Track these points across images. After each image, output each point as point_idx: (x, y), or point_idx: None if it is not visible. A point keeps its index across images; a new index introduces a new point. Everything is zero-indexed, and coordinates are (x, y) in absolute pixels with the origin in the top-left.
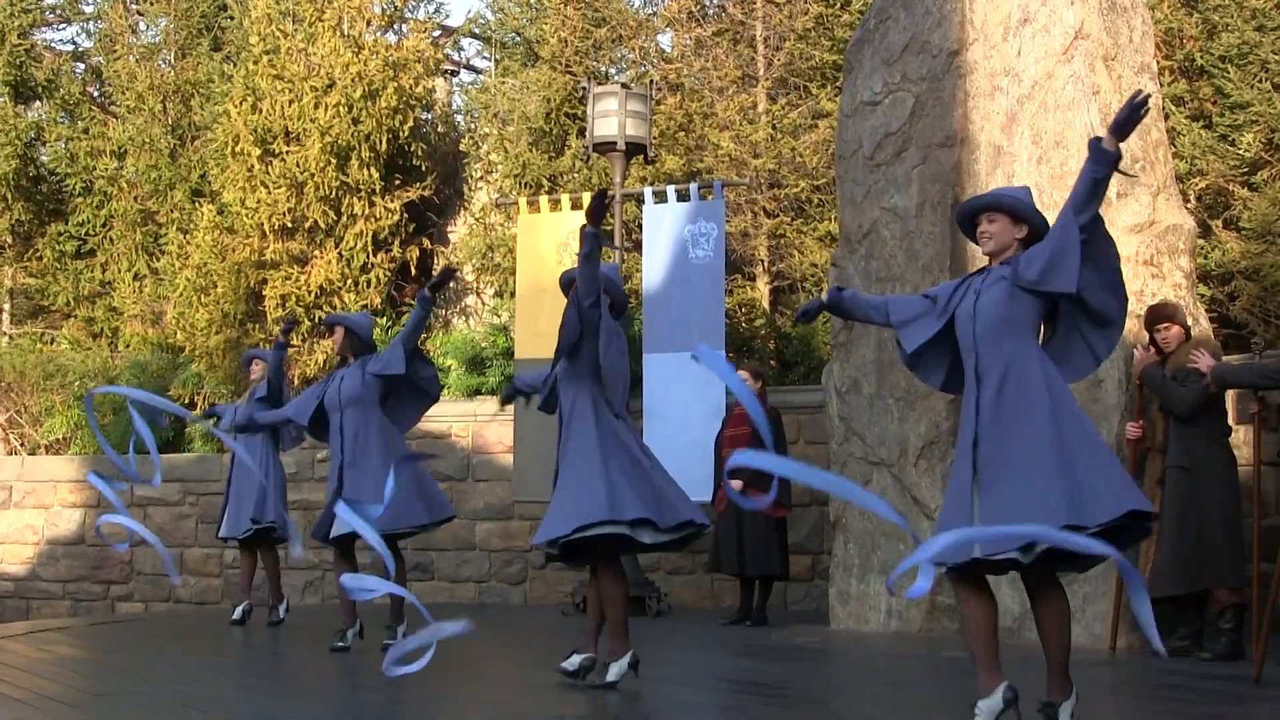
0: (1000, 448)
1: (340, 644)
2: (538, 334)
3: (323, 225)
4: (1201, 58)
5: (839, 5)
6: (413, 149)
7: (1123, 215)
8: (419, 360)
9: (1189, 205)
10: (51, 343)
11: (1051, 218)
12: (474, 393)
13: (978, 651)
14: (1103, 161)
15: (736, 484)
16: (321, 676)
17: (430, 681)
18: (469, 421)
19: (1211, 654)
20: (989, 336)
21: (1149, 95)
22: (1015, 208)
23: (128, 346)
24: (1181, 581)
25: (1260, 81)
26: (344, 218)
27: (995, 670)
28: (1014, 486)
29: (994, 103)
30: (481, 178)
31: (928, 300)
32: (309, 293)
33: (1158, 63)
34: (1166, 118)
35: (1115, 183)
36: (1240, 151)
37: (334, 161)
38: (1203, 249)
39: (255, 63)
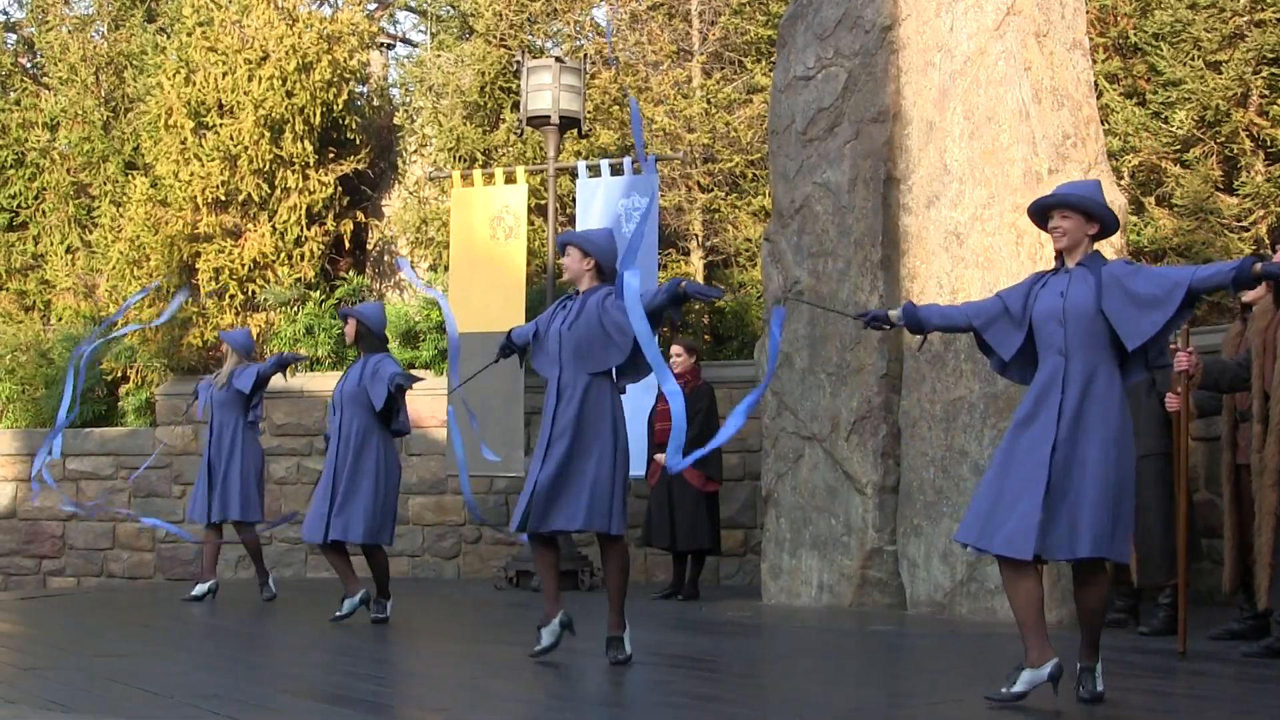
0: (1071, 460)
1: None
2: (471, 308)
3: (256, 198)
4: (1135, 35)
5: None
6: (347, 122)
7: None
8: None
9: (1121, 182)
10: None
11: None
12: (408, 366)
13: (1027, 625)
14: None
15: (663, 457)
16: (254, 650)
17: (372, 654)
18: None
19: (1149, 629)
20: (1078, 343)
21: None
22: (1087, 207)
23: (60, 320)
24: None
25: (1193, 59)
26: (277, 191)
27: (1046, 643)
28: (1080, 507)
29: (926, 78)
30: (416, 151)
31: (1000, 303)
32: (242, 266)
33: (1092, 39)
34: (1100, 95)
35: (1047, 160)
36: (1173, 129)
37: (267, 134)
38: (1135, 226)
39: (189, 35)
